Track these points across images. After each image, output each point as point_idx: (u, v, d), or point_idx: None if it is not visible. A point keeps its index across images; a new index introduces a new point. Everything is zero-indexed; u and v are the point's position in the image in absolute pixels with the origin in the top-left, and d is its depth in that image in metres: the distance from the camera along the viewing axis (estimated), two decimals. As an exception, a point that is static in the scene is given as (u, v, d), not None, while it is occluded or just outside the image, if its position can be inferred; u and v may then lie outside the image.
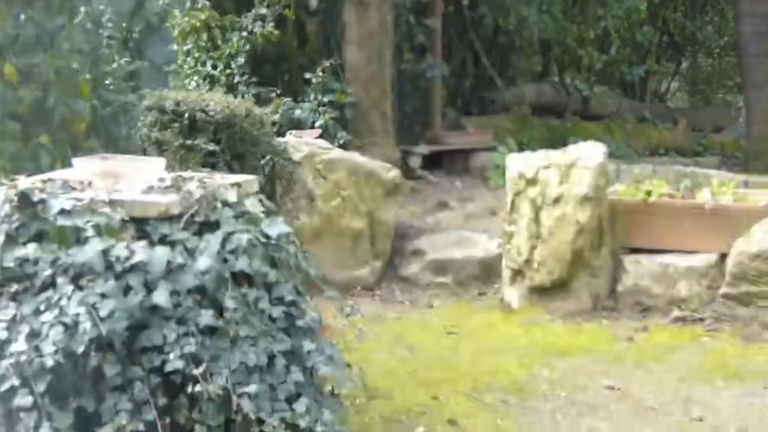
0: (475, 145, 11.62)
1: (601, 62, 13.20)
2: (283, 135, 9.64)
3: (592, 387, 6.89)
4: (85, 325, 4.31)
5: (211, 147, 8.44)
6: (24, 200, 4.62)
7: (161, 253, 4.54)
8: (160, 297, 4.43)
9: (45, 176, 5.05)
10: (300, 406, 4.53)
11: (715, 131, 14.02)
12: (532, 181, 8.48)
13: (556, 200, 8.38)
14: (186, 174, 5.16)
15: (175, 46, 11.52)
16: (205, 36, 11.30)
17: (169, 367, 4.35)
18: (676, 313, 8.18)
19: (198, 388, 4.33)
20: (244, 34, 11.01)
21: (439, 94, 11.85)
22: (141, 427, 4.30)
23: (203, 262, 4.56)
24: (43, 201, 4.65)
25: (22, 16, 6.57)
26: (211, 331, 4.46)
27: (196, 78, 11.22)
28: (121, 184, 4.87)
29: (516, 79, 12.79)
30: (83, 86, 6.58)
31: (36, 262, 4.50)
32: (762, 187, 9.29)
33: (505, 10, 12.31)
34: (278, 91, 10.95)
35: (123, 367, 4.38)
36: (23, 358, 4.33)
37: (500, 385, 6.87)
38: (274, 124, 9.82)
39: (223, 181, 5.04)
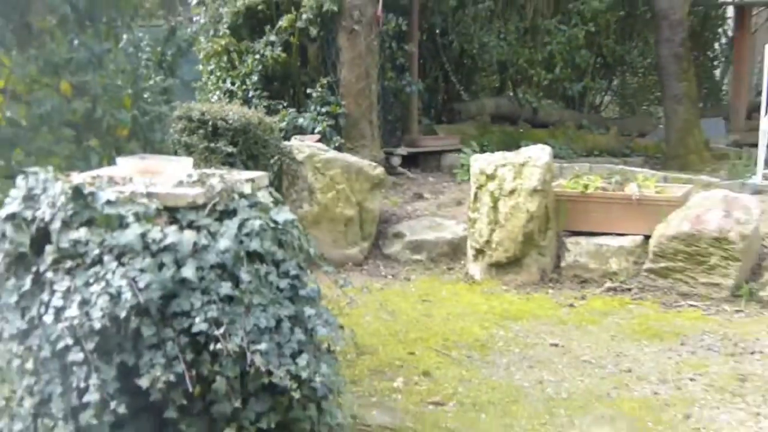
0: (445, 148, 11.62)
1: (547, 80, 13.17)
2: (288, 139, 9.64)
3: (540, 345, 6.90)
4: (127, 294, 4.29)
5: (230, 149, 8.44)
6: (77, 193, 4.59)
7: (189, 235, 4.52)
8: (188, 272, 4.41)
9: (94, 173, 5.02)
10: (302, 360, 4.51)
11: (640, 136, 14.00)
12: (491, 177, 8.49)
13: (511, 192, 8.38)
14: (209, 171, 5.13)
15: (200, 67, 11.50)
16: (225, 58, 11.27)
17: (195, 329, 4.33)
18: (609, 284, 8.20)
19: (219, 346, 4.31)
20: (257, 56, 10.98)
21: (415, 105, 11.84)
22: (172, 378, 4.28)
23: (223, 243, 4.54)
24: (92, 193, 4.62)
25: (76, 42, 6.51)
26: (229, 299, 4.44)
27: (217, 93, 11.20)
28: (156, 179, 4.85)
29: (478, 93, 12.77)
30: (125, 99, 6.53)
31: (86, 243, 4.48)
32: (678, 182, 9.31)
33: (469, 37, 12.29)
34: (284, 104, 10.93)
35: (157, 329, 4.35)
36: (76, 321, 4.31)
37: (465, 343, 6.88)
38: (281, 130, 9.81)
39: (239, 177, 5.01)
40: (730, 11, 15.61)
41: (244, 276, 4.51)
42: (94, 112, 6.38)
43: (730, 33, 15.79)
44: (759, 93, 12.50)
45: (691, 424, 5.60)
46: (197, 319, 4.34)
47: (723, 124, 14.83)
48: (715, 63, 16.00)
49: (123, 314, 4.28)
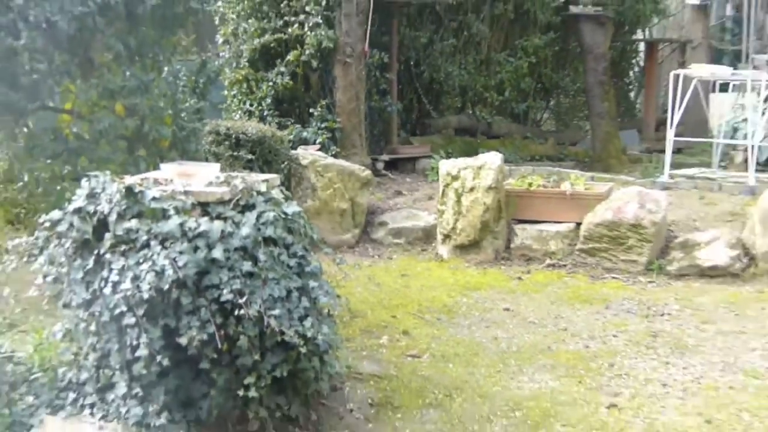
0: (419, 155, 11.59)
1: (498, 101, 13.14)
2: (295, 149, 9.61)
3: (495, 309, 6.90)
4: (169, 271, 4.28)
5: (249, 157, 8.42)
6: (129, 191, 4.58)
7: (217, 225, 4.51)
8: (217, 253, 4.40)
9: (142, 176, 5.00)
10: (307, 323, 4.51)
11: (572, 145, 13.98)
12: (455, 177, 8.48)
13: (471, 189, 8.37)
14: (233, 174, 5.12)
15: (225, 92, 11.47)
16: (245, 85, 11.24)
17: (222, 299, 4.32)
18: (548, 261, 8.20)
19: (242, 311, 4.30)
20: (270, 84, 10.95)
21: (395, 121, 11.81)
22: (205, 337, 4.28)
23: (245, 230, 4.53)
24: (141, 192, 4.61)
25: (128, 73, 6.50)
26: (249, 275, 4.43)
27: (239, 112, 11.16)
28: (191, 180, 4.84)
29: (444, 111, 12.74)
30: (167, 118, 6.51)
31: (137, 231, 4.47)
32: (602, 181, 9.31)
33: (437, 67, 12.27)
34: (292, 120, 10.90)
35: (193, 299, 4.34)
36: (129, 293, 4.30)
37: (436, 308, 6.88)
38: (289, 141, 9.80)
39: (257, 178, 5.01)
40: (642, 46, 15.61)
41: (261, 256, 4.51)
42: (142, 128, 6.37)
43: (641, 63, 15.79)
44: (665, 111, 12.54)
45: (614, 370, 5.62)
46: (224, 291, 4.34)
47: (636, 135, 14.85)
48: (630, 87, 16.00)
49: (166, 287, 4.28)
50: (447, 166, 8.64)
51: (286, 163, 8.89)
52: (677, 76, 9.81)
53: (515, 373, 5.58)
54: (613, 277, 7.74)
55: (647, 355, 5.88)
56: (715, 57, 15.52)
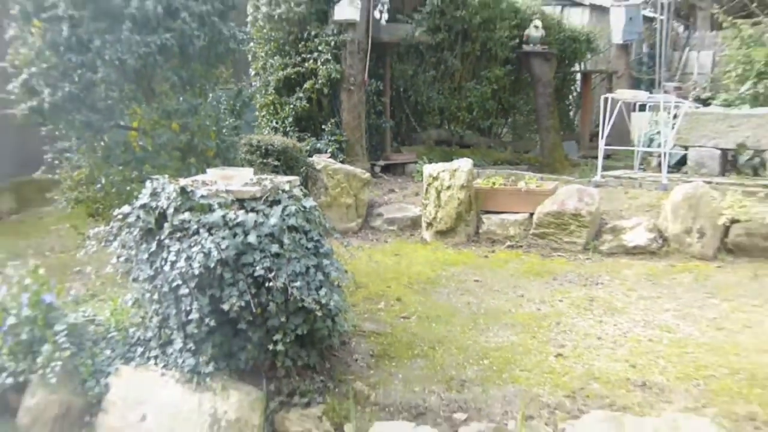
0: (408, 161, 11.53)
1: (468, 118, 13.07)
2: (311, 156, 9.57)
3: (468, 280, 6.89)
4: (214, 252, 4.26)
5: (276, 163, 8.39)
6: (183, 191, 4.56)
7: (251, 216, 4.49)
8: (251, 238, 4.38)
9: (192, 178, 4.98)
10: (322, 292, 4.49)
11: (526, 152, 13.92)
12: (436, 178, 8.44)
13: (448, 187, 8.34)
14: (263, 176, 5.10)
15: (257, 113, 11.42)
16: (272, 108, 11.17)
17: (256, 274, 4.31)
18: (509, 243, 8.17)
19: (271, 284, 4.29)
20: (291, 106, 10.89)
21: (389, 135, 11.75)
22: (243, 304, 4.27)
23: (272, 220, 4.51)
24: (192, 191, 4.59)
25: (181, 98, 6.48)
26: (277, 255, 4.41)
27: (267, 129, 11.10)
28: (231, 182, 4.81)
29: (426, 127, 12.66)
30: (212, 134, 6.49)
31: (189, 221, 4.45)
32: (549, 180, 9.27)
33: (420, 93, 12.20)
34: (308, 135, 10.83)
35: (233, 274, 4.33)
36: (183, 269, 4.28)
37: (421, 280, 6.86)
38: (306, 151, 9.76)
39: (282, 180, 4.98)
40: (578, 76, 15.58)
41: (286, 240, 4.49)
42: (192, 141, 6.34)
43: (578, 89, 15.76)
44: (597, 125, 12.54)
45: (560, 327, 5.61)
46: (257, 268, 4.33)
47: (575, 145, 14.82)
48: (570, 107, 15.92)
49: (212, 265, 4.27)
50: (429, 169, 8.61)
51: (304, 167, 8.85)
52: (606, 99, 9.80)
53: (483, 330, 5.57)
54: (559, 255, 7.72)
55: (585, 315, 5.88)
56: (635, 84, 15.54)
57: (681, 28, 17.96)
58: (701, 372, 4.76)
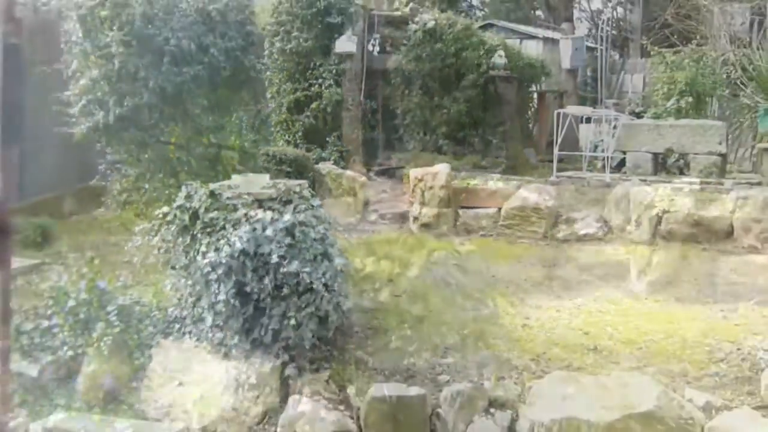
0: (397, 166, 11.37)
1: (446, 130, 12.86)
2: (317, 164, 9.46)
3: (448, 264, 6.75)
4: (238, 245, 4.17)
5: (288, 170, 8.24)
6: (212, 193, 4.48)
7: (269, 214, 4.40)
8: (269, 232, 4.28)
9: (220, 183, 4.88)
10: (328, 276, 4.41)
11: (494, 158, 13.77)
12: (420, 180, 8.33)
13: (431, 188, 8.23)
14: (278, 181, 5.01)
15: (272, 129, 11.26)
16: (285, 124, 11.03)
17: (272, 261, 4.21)
18: (481, 232, 8.04)
19: (285, 269, 4.19)
20: (300, 123, 10.78)
21: (381, 145, 11.66)
22: (262, 286, 4.19)
23: (286, 217, 4.41)
24: (220, 193, 4.52)
25: (210, 118, 6.46)
26: (290, 245, 4.32)
27: (282, 141, 10.97)
28: (252, 185, 4.72)
29: (412, 138, 12.51)
30: (236, 146, 6.45)
31: (217, 218, 4.37)
32: (514, 181, 9.16)
33: (407, 110, 12.08)
34: (315, 146, 10.73)
35: (253, 262, 4.23)
36: (213, 259, 4.21)
37: (409, 262, 6.74)
38: (314, 159, 9.65)
39: (293, 183, 4.89)
40: (536, 95, 15.47)
41: (297, 233, 4.39)
42: (219, 153, 6.28)
43: (536, 106, 15.64)
44: (551, 135, 12.40)
45: (525, 302, 5.52)
46: (274, 256, 4.23)
47: (534, 152, 14.71)
48: (529, 121, 15.80)
49: (236, 255, 4.16)
50: (415, 173, 8.50)
51: (311, 173, 8.72)
52: (559, 114, 9.73)
53: (462, 305, 5.46)
54: (523, 242, 7.60)
55: (546, 291, 5.79)
56: (581, 101, 15.41)
57: (617, 56, 17.98)
58: (642, 337, 4.67)
